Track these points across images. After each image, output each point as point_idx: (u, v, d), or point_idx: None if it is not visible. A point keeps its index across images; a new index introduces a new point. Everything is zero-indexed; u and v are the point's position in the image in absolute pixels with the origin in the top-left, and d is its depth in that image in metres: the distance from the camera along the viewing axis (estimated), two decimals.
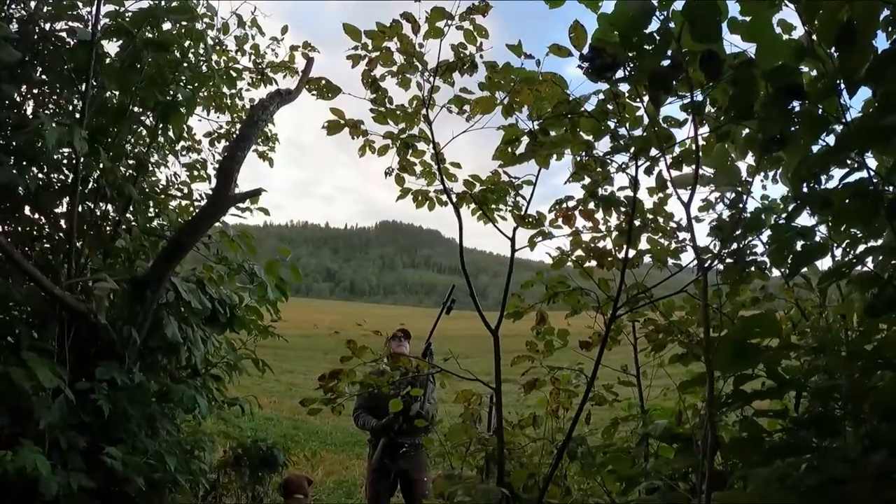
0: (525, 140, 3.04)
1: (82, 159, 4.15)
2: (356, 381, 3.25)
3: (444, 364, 3.42)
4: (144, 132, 5.16)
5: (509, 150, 2.97)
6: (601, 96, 2.78)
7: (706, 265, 2.27)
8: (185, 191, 5.60)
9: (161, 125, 4.77)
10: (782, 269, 2.72)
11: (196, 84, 4.79)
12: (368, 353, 3.23)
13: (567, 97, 2.87)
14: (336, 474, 9.72)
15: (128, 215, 5.11)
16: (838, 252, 2.55)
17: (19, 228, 4.75)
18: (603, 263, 3.37)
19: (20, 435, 3.62)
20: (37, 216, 4.80)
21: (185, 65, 4.88)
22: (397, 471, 5.62)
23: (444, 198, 3.63)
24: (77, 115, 4.37)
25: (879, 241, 2.25)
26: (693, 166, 2.47)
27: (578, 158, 3.11)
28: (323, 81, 3.12)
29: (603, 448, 3.19)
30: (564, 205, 3.33)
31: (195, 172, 5.73)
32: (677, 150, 2.82)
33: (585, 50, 2.27)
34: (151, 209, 5.27)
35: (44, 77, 4.65)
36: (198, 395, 4.45)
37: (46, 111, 4.64)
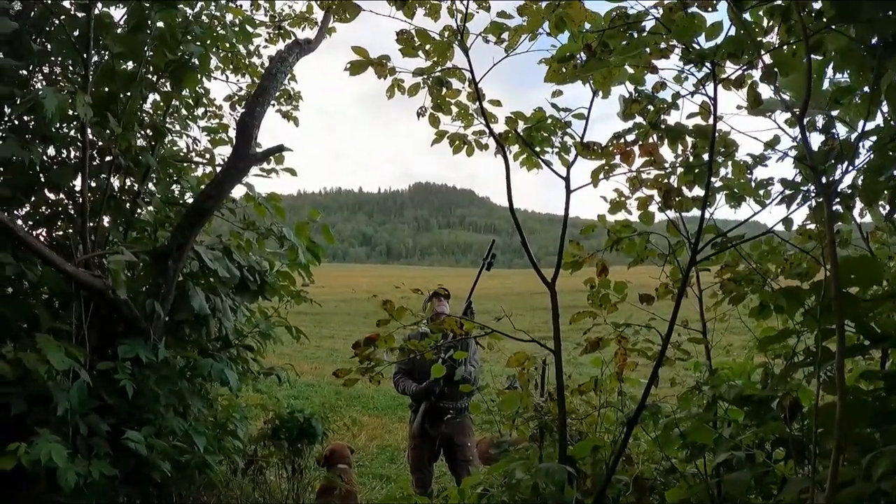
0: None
1: (89, 129, 3.86)
2: (395, 346, 2.90)
3: (497, 324, 3.04)
4: (159, 98, 4.87)
5: (563, 69, 2.55)
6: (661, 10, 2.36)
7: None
8: (207, 157, 5.29)
9: (175, 87, 4.43)
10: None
11: (208, 41, 4.44)
12: (408, 314, 2.87)
13: (625, 11, 2.44)
14: (379, 439, 9.55)
15: (149, 186, 4.86)
16: None
17: (42, 210, 4.52)
18: (670, 204, 2.95)
19: (40, 423, 3.39)
20: (53, 196, 4.56)
21: (196, 22, 4.54)
22: (440, 436, 5.40)
23: (484, 140, 3.26)
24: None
25: None
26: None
27: (629, 93, 2.75)
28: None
29: (680, 417, 2.80)
30: (622, 139, 2.91)
31: (216, 137, 5.42)
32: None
33: None
34: (172, 177, 4.97)
35: (46, 46, 4.36)
36: (226, 369, 4.19)
37: (52, 86, 4.37)
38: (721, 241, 2.67)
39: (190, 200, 5.02)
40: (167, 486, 3.91)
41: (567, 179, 2.84)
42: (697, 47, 2.36)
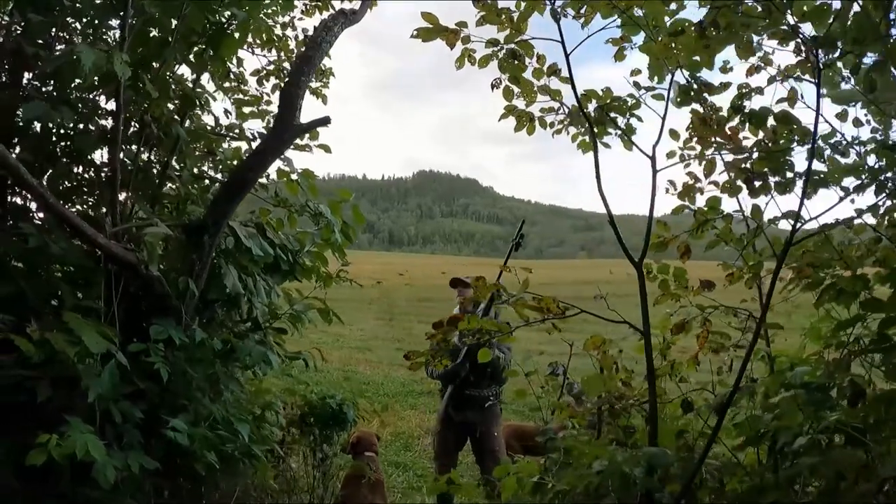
0: None
1: (122, 91, 3.63)
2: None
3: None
4: (188, 69, 4.64)
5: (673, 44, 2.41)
6: None
7: None
8: (237, 131, 5.07)
9: (212, 55, 4.19)
10: None
11: (249, 6, 4.19)
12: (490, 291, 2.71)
13: None
14: (391, 426, 9.37)
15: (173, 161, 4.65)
16: None
17: (66, 182, 4.30)
18: (753, 189, 2.82)
19: (66, 410, 3.08)
20: (76, 169, 4.35)
21: None
22: (465, 422, 5.31)
23: (550, 119, 3.10)
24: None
25: None
26: None
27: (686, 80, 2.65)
28: None
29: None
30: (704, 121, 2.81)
31: (247, 110, 5.21)
32: None
33: None
34: (203, 150, 4.76)
35: (77, 5, 4.14)
36: (269, 352, 3.98)
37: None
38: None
39: (219, 175, 4.83)
40: (207, 478, 3.69)
41: (653, 159, 2.68)
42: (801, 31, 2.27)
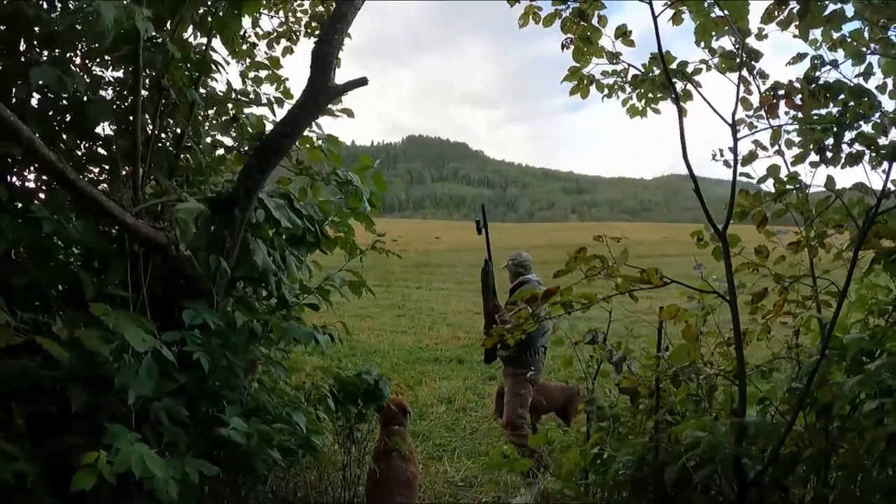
0: None
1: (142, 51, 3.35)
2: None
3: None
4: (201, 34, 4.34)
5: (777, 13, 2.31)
6: None
7: None
8: (252, 96, 4.79)
9: (231, 14, 3.90)
10: None
11: None
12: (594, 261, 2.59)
13: None
14: (403, 395, 9.28)
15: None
16: None
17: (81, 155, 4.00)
18: (825, 160, 2.73)
19: (97, 412, 2.76)
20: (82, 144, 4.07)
21: None
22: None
23: (607, 81, 2.94)
24: None
25: None
26: None
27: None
28: None
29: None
30: (776, 92, 2.80)
31: (262, 73, 4.95)
32: None
33: None
34: (224, 115, 4.48)
35: None
36: (316, 332, 3.73)
37: None
38: None
39: (239, 143, 4.58)
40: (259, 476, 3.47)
41: (733, 126, 2.53)
42: None
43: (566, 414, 6.26)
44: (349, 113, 4.68)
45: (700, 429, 2.46)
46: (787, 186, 2.74)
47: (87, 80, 3.83)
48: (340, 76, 3.87)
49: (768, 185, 2.83)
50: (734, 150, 2.60)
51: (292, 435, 3.37)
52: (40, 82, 3.29)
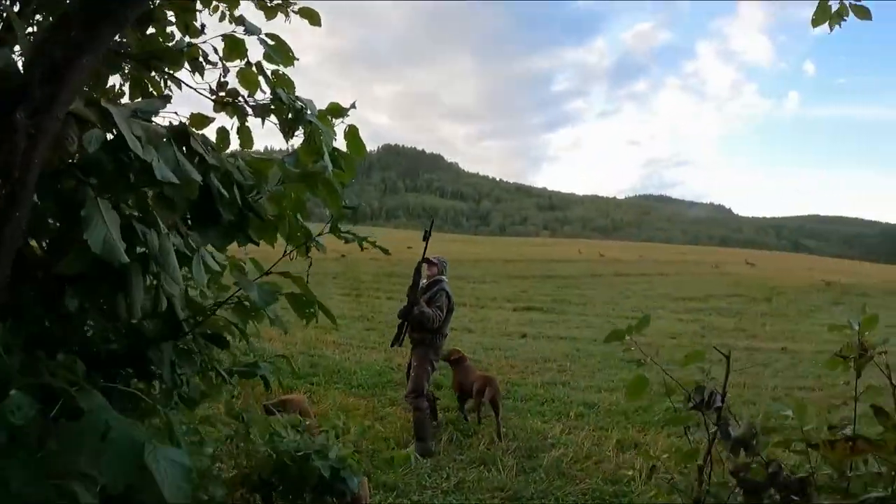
0: None
1: None
2: None
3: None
4: None
5: None
6: None
7: None
8: None
9: None
10: None
11: None
12: None
13: None
14: (374, 430, 7.19)
15: None
16: None
17: None
18: None
19: None
20: None
21: None
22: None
23: None
24: None
25: None
26: None
27: None
28: None
29: None
30: None
31: None
32: None
33: None
34: None
35: None
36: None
37: None
38: None
39: None
40: None
41: None
42: None
43: (494, 402, 7.36)
44: (312, 17, 2.80)
45: None
46: None
47: None
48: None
49: None
50: None
51: None
52: None
